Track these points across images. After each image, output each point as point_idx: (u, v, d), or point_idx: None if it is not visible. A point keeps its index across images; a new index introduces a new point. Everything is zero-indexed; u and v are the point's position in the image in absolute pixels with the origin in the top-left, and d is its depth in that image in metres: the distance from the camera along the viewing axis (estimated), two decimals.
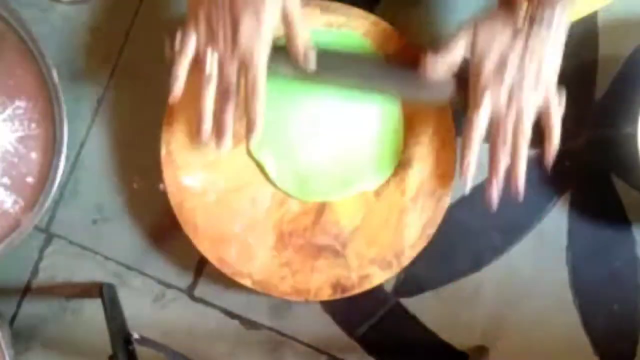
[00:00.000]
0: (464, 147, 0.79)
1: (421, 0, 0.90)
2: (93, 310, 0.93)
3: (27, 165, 0.89)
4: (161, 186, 0.88)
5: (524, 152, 0.78)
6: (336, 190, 0.88)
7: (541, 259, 0.92)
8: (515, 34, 0.74)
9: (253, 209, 0.88)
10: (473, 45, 0.76)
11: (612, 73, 0.91)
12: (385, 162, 0.88)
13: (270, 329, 0.94)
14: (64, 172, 0.88)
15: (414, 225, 0.87)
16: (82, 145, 0.92)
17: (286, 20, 0.76)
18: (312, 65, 0.78)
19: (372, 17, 0.88)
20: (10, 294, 0.94)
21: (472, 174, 0.79)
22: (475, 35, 0.76)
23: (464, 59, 0.78)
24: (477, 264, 0.92)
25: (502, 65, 0.75)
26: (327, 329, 0.93)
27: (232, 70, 0.75)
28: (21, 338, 0.94)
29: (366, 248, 0.88)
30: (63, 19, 0.92)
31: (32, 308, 0.94)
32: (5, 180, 0.88)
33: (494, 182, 0.79)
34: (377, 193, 0.88)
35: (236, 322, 0.94)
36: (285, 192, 0.88)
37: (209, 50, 0.75)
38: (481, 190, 0.91)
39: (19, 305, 0.94)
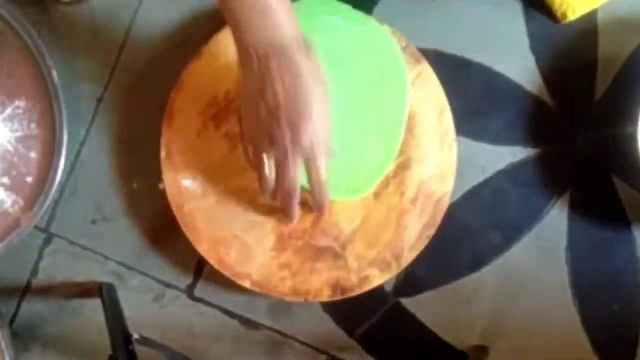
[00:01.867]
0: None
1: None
2: (93, 310, 0.93)
3: (27, 165, 0.89)
4: (161, 186, 0.88)
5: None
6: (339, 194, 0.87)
7: (541, 259, 0.92)
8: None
9: (252, 211, 0.88)
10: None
11: (612, 73, 0.91)
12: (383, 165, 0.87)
13: (270, 329, 0.94)
14: (64, 172, 0.88)
15: (413, 227, 0.87)
16: (82, 145, 0.92)
17: None
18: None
19: (371, 20, 0.88)
20: (10, 294, 0.94)
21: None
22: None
23: None
24: (477, 264, 0.92)
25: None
26: (327, 329, 0.93)
27: (294, 167, 0.75)
28: (21, 338, 0.94)
29: (366, 250, 0.87)
30: (63, 19, 0.92)
31: (32, 308, 0.94)
32: (5, 180, 0.88)
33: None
34: (377, 195, 0.87)
35: (236, 322, 0.94)
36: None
37: (267, 154, 0.76)
38: (480, 191, 0.91)
39: (19, 305, 0.94)
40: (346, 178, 0.86)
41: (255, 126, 0.75)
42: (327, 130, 0.75)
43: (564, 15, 0.88)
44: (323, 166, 0.75)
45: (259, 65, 0.71)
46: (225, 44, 0.87)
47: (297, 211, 0.81)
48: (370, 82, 0.86)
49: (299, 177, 0.76)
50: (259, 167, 0.77)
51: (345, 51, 0.86)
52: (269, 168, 0.76)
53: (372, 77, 0.86)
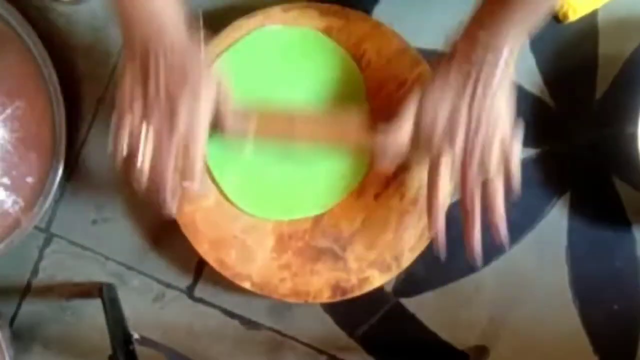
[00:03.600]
0: (429, 213, 0.77)
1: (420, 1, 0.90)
2: (93, 310, 0.93)
3: (27, 165, 0.89)
4: None
5: (499, 198, 0.75)
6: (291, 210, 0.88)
7: (541, 259, 0.92)
8: (461, 90, 0.73)
9: (250, 215, 0.88)
10: (420, 113, 0.75)
11: (612, 73, 0.91)
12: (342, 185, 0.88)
13: (270, 329, 0.94)
14: (64, 172, 0.88)
15: (413, 228, 0.87)
16: (82, 145, 0.92)
17: (220, 97, 0.76)
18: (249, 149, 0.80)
19: (371, 20, 0.88)
20: (10, 294, 0.94)
21: (443, 242, 0.78)
22: (422, 103, 0.75)
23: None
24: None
25: (452, 126, 0.73)
26: (327, 329, 0.94)
27: (169, 153, 0.73)
28: (21, 338, 0.94)
29: (366, 251, 0.87)
30: (63, 19, 0.92)
31: (32, 308, 0.94)
32: (5, 180, 0.88)
33: (473, 233, 0.77)
34: (377, 196, 0.87)
35: (236, 322, 0.94)
36: (242, 210, 0.88)
37: (143, 130, 0.73)
38: None
39: (19, 305, 0.94)
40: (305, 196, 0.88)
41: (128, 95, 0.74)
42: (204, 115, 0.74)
43: (565, 16, 0.88)
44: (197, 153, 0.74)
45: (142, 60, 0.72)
46: (224, 44, 0.87)
47: (171, 202, 0.76)
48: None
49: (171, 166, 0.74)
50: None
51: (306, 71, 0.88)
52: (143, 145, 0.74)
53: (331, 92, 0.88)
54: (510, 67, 0.72)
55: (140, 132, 0.73)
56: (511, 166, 0.74)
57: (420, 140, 0.76)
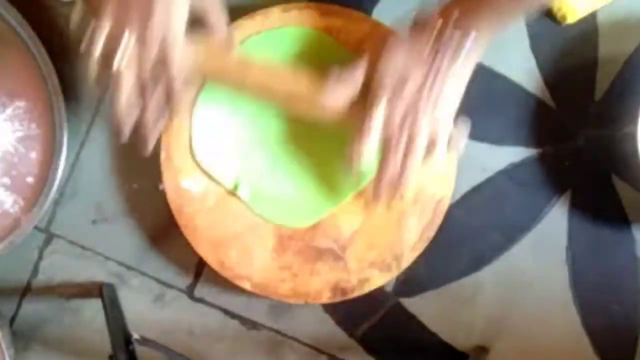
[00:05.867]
0: (352, 156, 0.77)
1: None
2: (93, 310, 0.93)
3: (27, 165, 0.89)
4: (161, 186, 0.88)
5: (411, 170, 0.76)
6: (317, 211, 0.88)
7: (541, 259, 0.92)
8: (421, 58, 0.74)
9: (252, 212, 0.88)
10: (380, 63, 0.76)
11: (612, 73, 0.91)
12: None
13: (270, 329, 0.94)
14: (64, 172, 0.89)
15: (413, 228, 0.87)
16: (82, 145, 0.92)
17: (201, 12, 0.75)
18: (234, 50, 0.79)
19: (371, 20, 0.88)
20: (10, 294, 0.94)
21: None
22: (383, 56, 0.76)
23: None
24: (477, 264, 0.92)
25: (401, 84, 0.74)
26: (327, 329, 0.94)
27: (146, 67, 0.71)
28: (21, 338, 0.94)
29: (366, 251, 0.87)
30: (63, 19, 0.92)
31: (32, 308, 0.94)
32: (5, 180, 0.89)
33: (380, 185, 0.77)
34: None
35: (236, 322, 0.94)
36: (262, 218, 0.88)
37: (119, 46, 0.70)
38: (480, 190, 0.91)
39: (19, 305, 0.94)
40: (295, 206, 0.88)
41: None
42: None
43: (563, 18, 0.88)
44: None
45: None
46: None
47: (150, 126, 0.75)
48: None
49: None
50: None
51: None
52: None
53: None
54: (476, 53, 0.74)
55: (118, 34, 0.70)
56: (435, 148, 0.76)
57: (371, 86, 0.76)
